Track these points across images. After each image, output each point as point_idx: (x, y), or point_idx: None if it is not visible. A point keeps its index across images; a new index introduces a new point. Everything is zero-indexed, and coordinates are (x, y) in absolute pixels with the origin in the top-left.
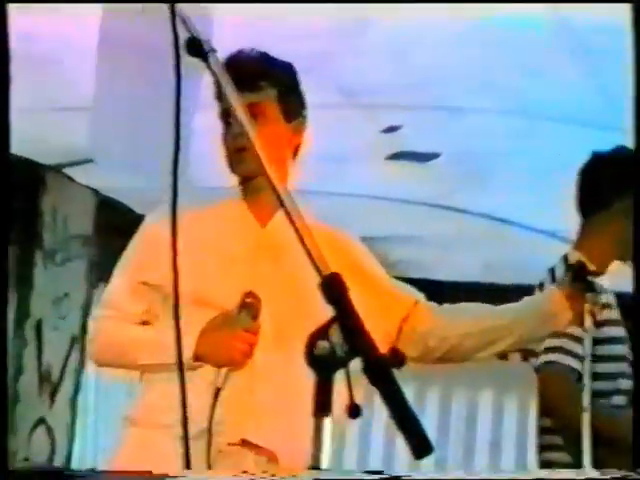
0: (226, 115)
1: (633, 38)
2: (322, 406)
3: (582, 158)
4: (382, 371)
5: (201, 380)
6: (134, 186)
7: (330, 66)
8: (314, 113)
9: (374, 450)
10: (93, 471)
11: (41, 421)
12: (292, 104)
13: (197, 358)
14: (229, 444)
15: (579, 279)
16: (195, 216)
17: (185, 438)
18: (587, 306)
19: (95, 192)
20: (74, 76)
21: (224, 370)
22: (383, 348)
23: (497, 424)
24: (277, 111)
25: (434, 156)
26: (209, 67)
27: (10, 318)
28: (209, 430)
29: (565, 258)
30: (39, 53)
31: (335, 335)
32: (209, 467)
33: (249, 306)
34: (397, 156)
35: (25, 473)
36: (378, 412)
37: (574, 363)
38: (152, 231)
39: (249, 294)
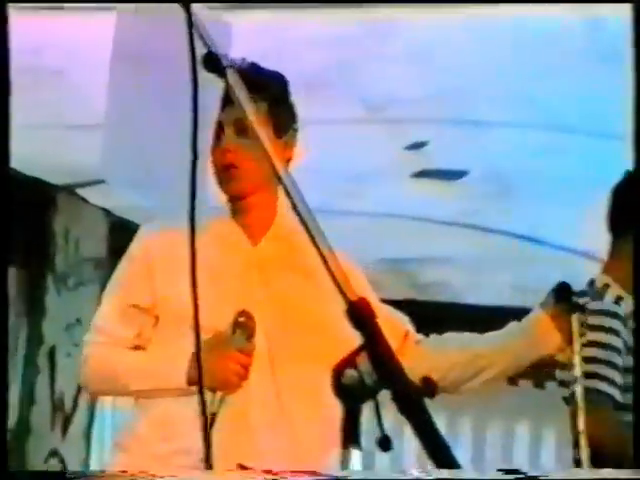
0: (217, 129)
1: (633, 38)
2: (350, 437)
3: (615, 174)
4: (413, 401)
5: (195, 406)
6: (147, 205)
7: (353, 79)
8: (336, 128)
9: None
10: (93, 472)
11: (54, 453)
12: (282, 117)
13: (191, 382)
14: (227, 471)
15: (562, 300)
16: (185, 236)
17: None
18: (575, 327)
19: (107, 213)
20: (87, 92)
21: (219, 394)
22: None
23: (534, 455)
24: (267, 126)
25: (461, 174)
26: (226, 82)
27: (22, 345)
28: (207, 459)
29: (592, 282)
30: (50, 67)
31: (363, 363)
32: None
33: (243, 326)
34: (423, 174)
35: (25, 475)
36: (408, 442)
37: (611, 390)
38: (141, 250)
39: (243, 313)
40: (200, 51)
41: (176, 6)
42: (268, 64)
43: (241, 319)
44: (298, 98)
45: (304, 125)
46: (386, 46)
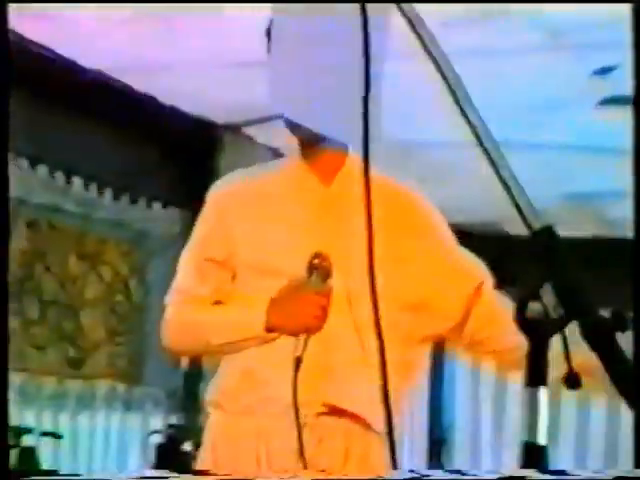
0: None
1: (633, 38)
2: (537, 375)
3: None
4: (604, 335)
5: (278, 352)
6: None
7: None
8: (517, 58)
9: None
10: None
11: None
12: None
13: (270, 330)
14: (317, 414)
15: None
16: (257, 184)
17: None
18: None
19: (275, 151)
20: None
21: (302, 337)
22: (444, 326)
23: None
24: None
25: None
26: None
27: None
28: (294, 405)
29: None
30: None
31: (547, 296)
32: (300, 443)
33: (319, 268)
34: (610, 101)
35: (25, 474)
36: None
37: None
38: (216, 204)
39: (318, 255)
40: None
41: None
42: None
43: (316, 261)
44: (476, 27)
45: (483, 55)
46: None
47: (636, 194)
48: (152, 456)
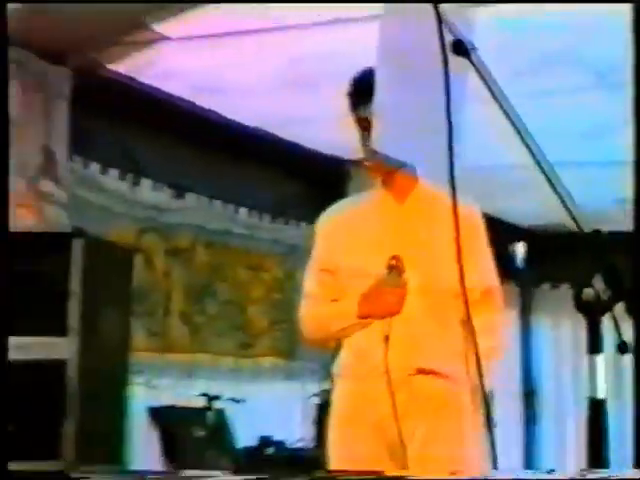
0: (364, 122)
1: (633, 38)
2: (594, 345)
3: None
4: None
5: (374, 333)
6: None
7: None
8: (569, 95)
9: None
10: (93, 473)
11: None
12: None
13: (363, 317)
14: (409, 375)
15: None
16: (350, 209)
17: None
18: None
19: None
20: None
21: (388, 319)
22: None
23: None
24: None
25: None
26: (472, 63)
27: None
28: (386, 368)
29: None
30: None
31: (598, 283)
32: (392, 395)
33: (395, 267)
34: None
35: (25, 474)
36: None
37: None
38: (322, 228)
39: (394, 257)
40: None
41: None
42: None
43: (393, 262)
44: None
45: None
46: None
47: (636, 196)
48: (312, 413)
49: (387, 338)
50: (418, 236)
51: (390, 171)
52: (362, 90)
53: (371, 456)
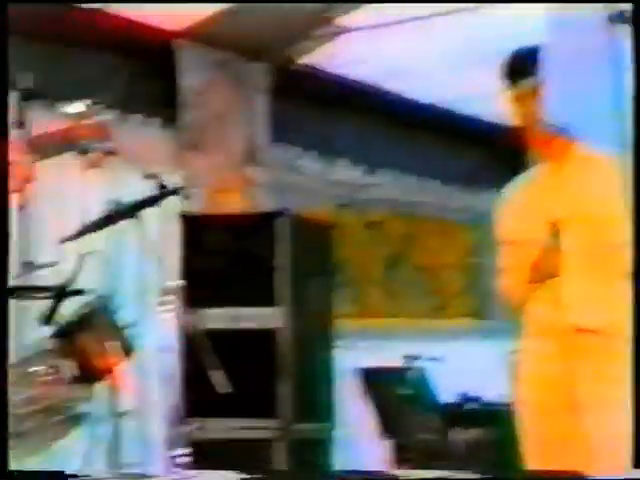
0: (525, 96)
1: (633, 38)
2: None
3: None
4: None
5: (540, 295)
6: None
7: None
8: None
9: None
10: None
11: None
12: None
13: (534, 281)
14: (577, 330)
15: None
16: (520, 185)
17: None
18: None
19: None
20: None
21: (550, 282)
22: None
23: None
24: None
25: None
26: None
27: None
28: (551, 328)
29: None
30: None
31: None
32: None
33: (554, 232)
34: None
35: (25, 474)
36: None
37: None
38: (502, 204)
39: (553, 223)
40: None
41: None
42: None
43: (553, 228)
44: None
45: None
46: None
47: (635, 194)
48: (509, 370)
49: (550, 299)
50: (574, 200)
51: (553, 139)
52: (523, 65)
53: (547, 409)
